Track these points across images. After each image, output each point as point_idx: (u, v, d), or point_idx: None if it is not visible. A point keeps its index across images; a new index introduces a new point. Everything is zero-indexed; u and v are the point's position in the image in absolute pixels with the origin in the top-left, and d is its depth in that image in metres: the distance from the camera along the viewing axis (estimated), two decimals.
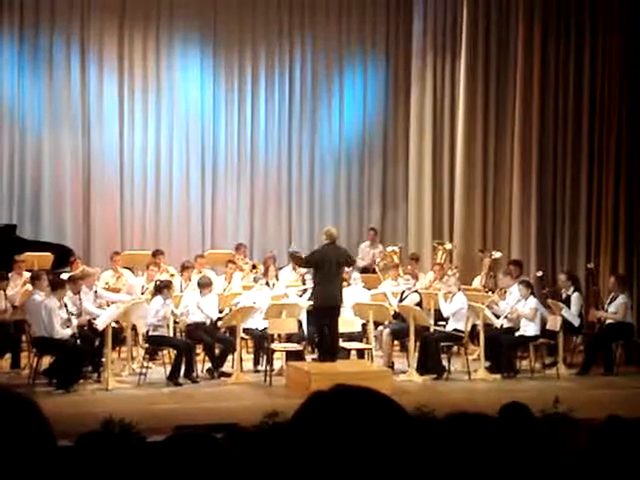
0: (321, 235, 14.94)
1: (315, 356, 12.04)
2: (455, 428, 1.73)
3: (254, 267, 14.31)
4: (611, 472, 2.88)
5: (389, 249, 15.66)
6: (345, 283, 12.92)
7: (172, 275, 13.59)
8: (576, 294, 13.10)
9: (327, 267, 11.39)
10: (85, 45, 16.26)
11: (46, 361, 11.47)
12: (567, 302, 12.98)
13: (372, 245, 16.34)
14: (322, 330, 11.59)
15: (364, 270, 14.98)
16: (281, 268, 14.70)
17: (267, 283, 13.40)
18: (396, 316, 12.88)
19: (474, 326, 12.83)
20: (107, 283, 13.70)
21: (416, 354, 12.33)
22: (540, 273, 14.41)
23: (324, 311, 11.50)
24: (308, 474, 1.45)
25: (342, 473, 1.44)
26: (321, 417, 1.49)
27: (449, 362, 12.46)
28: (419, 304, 12.80)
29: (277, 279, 13.95)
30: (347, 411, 1.49)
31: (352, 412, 1.49)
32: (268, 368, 11.88)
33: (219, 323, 12.70)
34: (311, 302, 12.10)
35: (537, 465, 2.02)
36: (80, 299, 11.85)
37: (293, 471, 1.47)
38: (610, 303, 13.00)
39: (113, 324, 12.00)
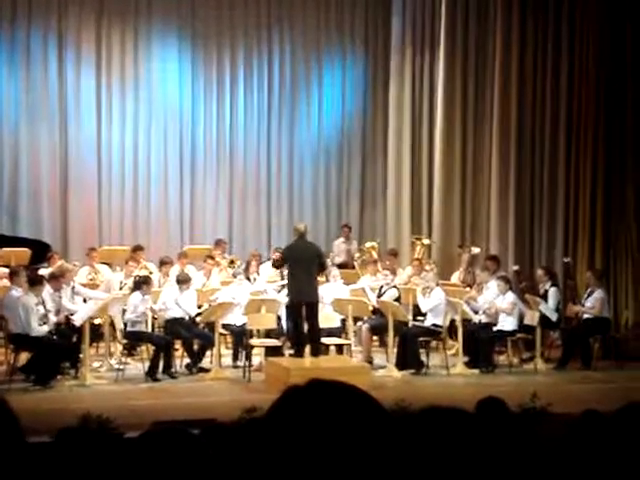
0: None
1: (291, 352, 12.04)
2: (429, 422, 1.74)
3: (232, 262, 14.29)
4: (587, 466, 2.89)
5: (368, 244, 15.70)
6: (324, 279, 12.93)
7: (151, 272, 13.55)
8: (553, 289, 13.16)
9: (296, 263, 11.42)
10: (63, 39, 16.17)
11: (24, 357, 11.42)
12: (545, 297, 13.05)
13: (346, 241, 16.40)
14: (296, 325, 11.59)
15: (340, 266, 15.00)
16: (262, 263, 14.69)
17: (248, 278, 13.38)
18: (375, 311, 12.89)
19: (452, 321, 12.86)
20: (92, 279, 13.65)
21: (395, 349, 12.35)
22: (517, 267, 14.47)
23: (295, 306, 11.52)
24: (283, 468, 1.45)
25: (317, 468, 1.44)
26: (296, 411, 1.50)
27: (427, 357, 12.48)
28: (398, 299, 12.83)
29: (258, 274, 13.95)
30: (322, 405, 1.49)
31: (327, 406, 1.49)
32: (247, 363, 11.87)
33: (198, 319, 12.67)
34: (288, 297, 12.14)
35: (513, 459, 2.03)
36: (60, 296, 11.81)
37: (268, 466, 1.47)
38: (587, 298, 13.06)
39: (98, 320, 12.03)
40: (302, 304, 11.43)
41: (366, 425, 1.48)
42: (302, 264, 11.38)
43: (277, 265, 12.46)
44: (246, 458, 1.51)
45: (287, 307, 12.22)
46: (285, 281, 13.31)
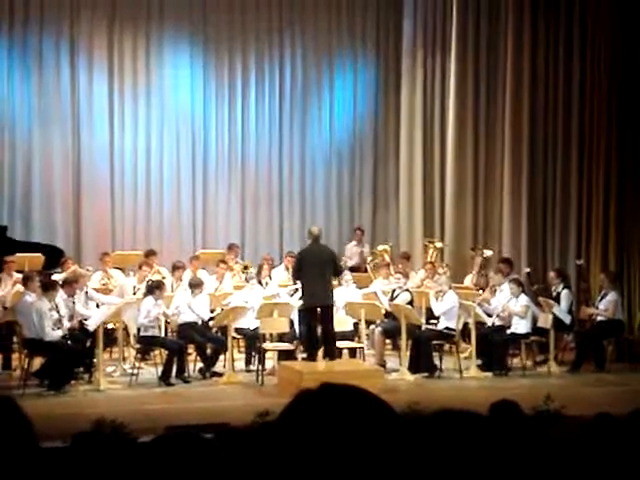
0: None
1: (304, 356, 12.03)
2: (442, 425, 1.74)
3: (246, 267, 14.30)
4: (601, 469, 2.89)
5: (380, 248, 15.69)
6: (336, 283, 12.92)
7: (164, 277, 13.56)
8: (565, 291, 13.12)
9: (310, 266, 11.37)
10: (75, 45, 16.23)
11: (37, 362, 11.45)
12: (557, 299, 13.01)
13: (359, 245, 16.39)
14: (309, 329, 11.56)
15: (352, 269, 14.98)
16: (274, 267, 14.70)
17: (260, 282, 13.39)
18: (387, 315, 12.88)
19: (465, 324, 12.85)
20: (104, 284, 13.68)
21: (408, 353, 12.34)
22: (528, 270, 14.44)
23: (309, 311, 11.49)
24: (295, 473, 1.46)
25: (328, 472, 1.44)
26: (307, 415, 1.50)
27: (441, 360, 12.48)
28: (410, 303, 12.82)
29: (271, 278, 13.96)
30: (333, 409, 1.50)
31: (338, 410, 1.49)
32: (260, 368, 11.87)
33: (211, 323, 12.69)
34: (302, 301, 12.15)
35: (527, 462, 2.03)
36: (73, 302, 11.84)
37: (280, 470, 1.47)
38: (600, 300, 13.03)
39: (111, 325, 12.08)
40: (316, 308, 11.41)
41: (377, 429, 1.48)
42: (316, 268, 11.34)
43: (295, 273, 12.26)
44: (258, 462, 1.52)
45: (300, 311, 12.22)
46: (298, 285, 13.33)
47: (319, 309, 11.39)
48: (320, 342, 11.44)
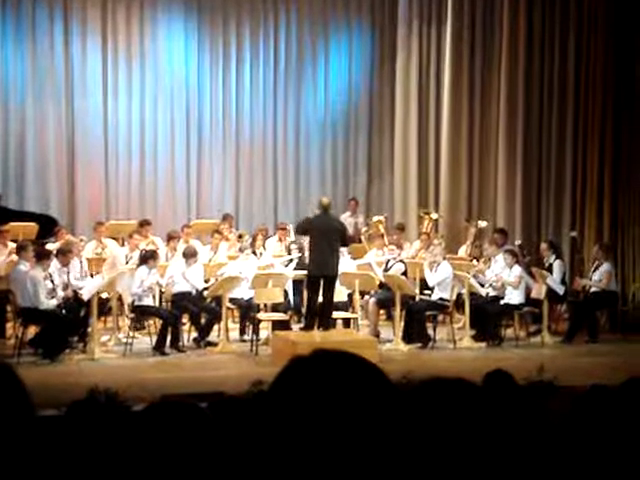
0: (307, 205, 14.94)
1: (302, 325, 12.07)
2: (435, 394, 1.74)
3: (240, 237, 14.30)
4: (593, 439, 2.89)
5: (375, 219, 15.67)
6: None
7: (157, 248, 13.53)
8: (558, 262, 13.14)
9: (318, 236, 11.37)
10: (68, 14, 16.10)
11: (32, 331, 11.46)
12: (550, 270, 13.04)
13: (353, 215, 16.38)
14: (309, 298, 11.58)
15: None
16: (268, 238, 14.70)
17: (254, 252, 13.39)
18: (382, 285, 12.90)
19: (459, 295, 12.87)
20: (98, 254, 13.66)
21: (402, 323, 12.37)
22: (519, 242, 14.45)
23: (312, 279, 11.50)
24: (287, 440, 1.46)
25: (321, 437, 1.44)
26: (300, 381, 1.50)
27: (434, 331, 12.51)
28: (404, 273, 12.83)
29: (264, 248, 13.96)
30: (326, 375, 1.50)
31: (331, 376, 1.49)
32: (254, 338, 11.90)
33: (205, 293, 12.69)
34: (297, 272, 12.15)
35: (520, 432, 2.03)
36: (68, 271, 11.83)
37: (273, 437, 1.47)
38: (594, 271, 13.06)
39: (106, 294, 12.09)
40: (321, 277, 11.40)
41: (370, 394, 1.48)
42: (325, 238, 11.32)
43: (299, 231, 12.28)
44: (252, 430, 1.52)
45: (295, 281, 12.23)
46: (292, 256, 13.35)
47: (324, 278, 11.39)
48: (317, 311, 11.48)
